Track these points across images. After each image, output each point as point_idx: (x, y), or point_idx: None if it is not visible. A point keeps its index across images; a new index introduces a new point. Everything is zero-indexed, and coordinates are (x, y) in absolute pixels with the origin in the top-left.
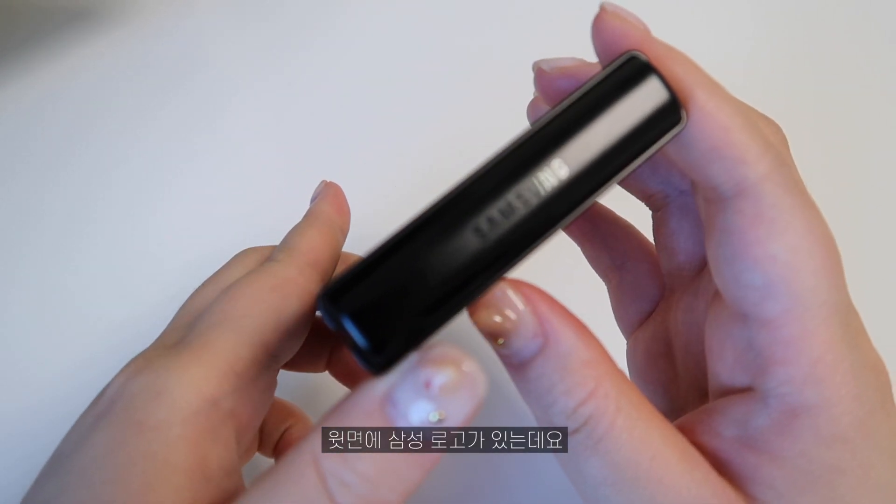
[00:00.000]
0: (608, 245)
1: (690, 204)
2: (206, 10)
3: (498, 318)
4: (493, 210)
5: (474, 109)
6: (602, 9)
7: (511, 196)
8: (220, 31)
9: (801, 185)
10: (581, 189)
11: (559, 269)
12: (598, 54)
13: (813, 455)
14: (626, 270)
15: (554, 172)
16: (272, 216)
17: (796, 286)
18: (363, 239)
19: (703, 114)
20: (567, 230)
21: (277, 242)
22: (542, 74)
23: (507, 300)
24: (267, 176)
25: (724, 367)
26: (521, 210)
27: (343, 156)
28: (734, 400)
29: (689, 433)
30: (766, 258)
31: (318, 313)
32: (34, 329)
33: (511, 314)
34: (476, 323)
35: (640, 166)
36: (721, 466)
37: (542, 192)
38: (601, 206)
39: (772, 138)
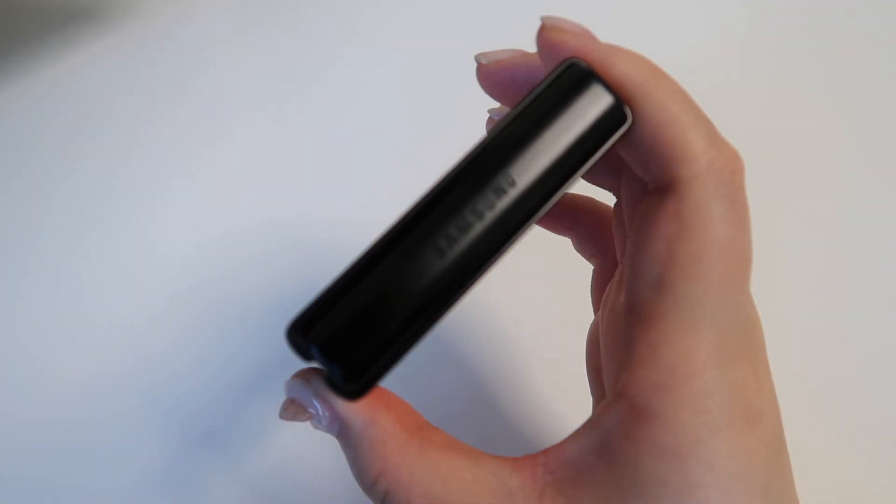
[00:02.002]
0: (591, 233)
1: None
2: (210, 12)
3: (300, 415)
4: (451, 228)
5: (483, 116)
6: (542, 24)
7: (467, 212)
8: (224, 34)
9: (737, 194)
10: (536, 196)
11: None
12: (545, 66)
13: (642, 465)
14: (607, 256)
15: (507, 185)
16: (273, 217)
17: (681, 293)
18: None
19: (644, 113)
20: (550, 227)
21: (277, 242)
22: (481, 68)
23: (304, 398)
24: (269, 178)
25: (607, 362)
26: (478, 225)
27: (347, 159)
28: (599, 406)
29: (555, 447)
30: (666, 255)
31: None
32: (36, 328)
33: (310, 409)
34: (281, 416)
35: (591, 167)
36: (580, 482)
37: (498, 206)
38: (583, 199)
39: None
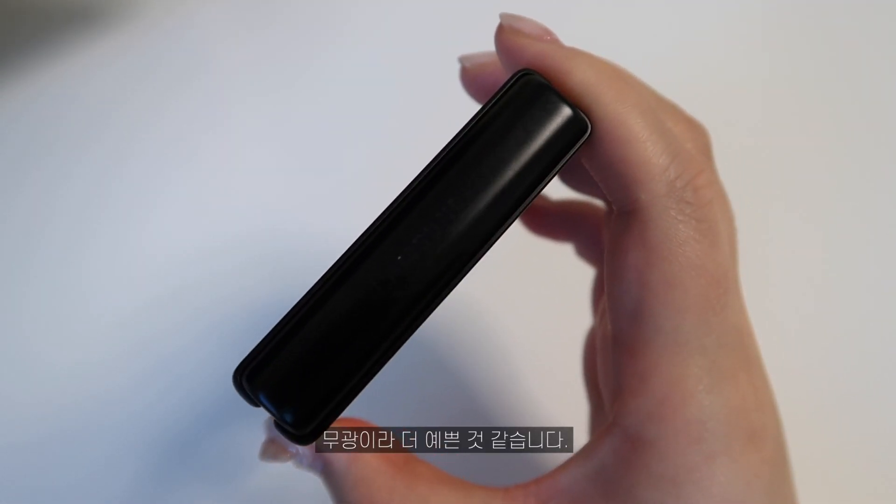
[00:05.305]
0: (593, 238)
1: None
2: (211, 13)
3: (280, 455)
4: (401, 260)
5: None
6: (499, 25)
7: (416, 242)
8: (224, 35)
9: (702, 211)
10: (493, 218)
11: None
12: (505, 69)
13: (638, 493)
14: None
15: (459, 210)
16: (272, 217)
17: (660, 321)
18: None
19: (600, 127)
20: (551, 235)
21: (276, 241)
22: (465, 72)
23: (284, 440)
24: (269, 178)
25: (604, 382)
26: (429, 255)
27: (345, 159)
28: (594, 436)
29: (547, 476)
30: (638, 284)
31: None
32: (41, 324)
33: (291, 448)
34: (261, 457)
35: (550, 180)
36: None
37: (450, 233)
38: (583, 204)
39: (688, 146)
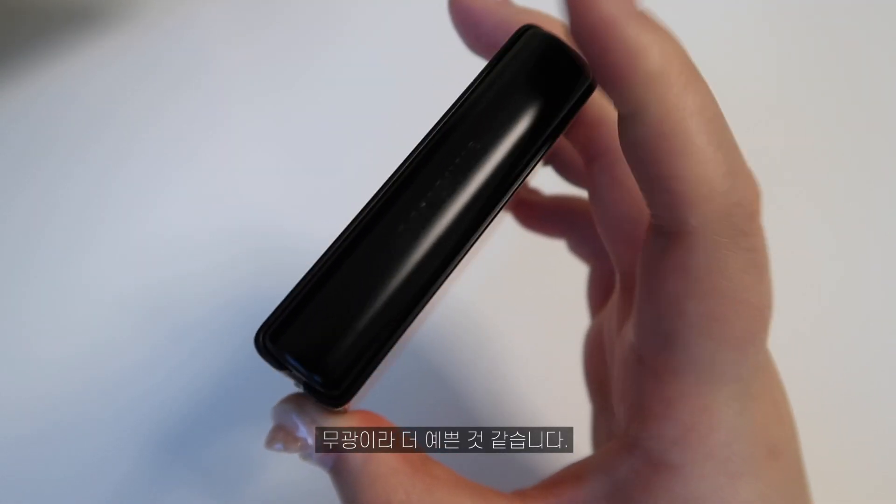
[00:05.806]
0: (587, 235)
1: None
2: (211, 13)
3: (289, 444)
4: (421, 209)
5: None
6: None
7: (434, 193)
8: (224, 35)
9: (755, 240)
10: (506, 170)
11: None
12: (567, 19)
13: None
14: (604, 258)
15: (473, 162)
16: (272, 217)
17: (696, 352)
18: None
19: (654, 132)
20: (544, 230)
21: (277, 242)
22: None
23: (294, 424)
24: (269, 178)
25: (617, 397)
26: (448, 206)
27: (345, 160)
28: (608, 449)
29: (562, 485)
30: (677, 313)
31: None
32: (40, 324)
33: (300, 434)
34: (267, 446)
35: (565, 127)
36: None
37: (465, 185)
38: (578, 200)
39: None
